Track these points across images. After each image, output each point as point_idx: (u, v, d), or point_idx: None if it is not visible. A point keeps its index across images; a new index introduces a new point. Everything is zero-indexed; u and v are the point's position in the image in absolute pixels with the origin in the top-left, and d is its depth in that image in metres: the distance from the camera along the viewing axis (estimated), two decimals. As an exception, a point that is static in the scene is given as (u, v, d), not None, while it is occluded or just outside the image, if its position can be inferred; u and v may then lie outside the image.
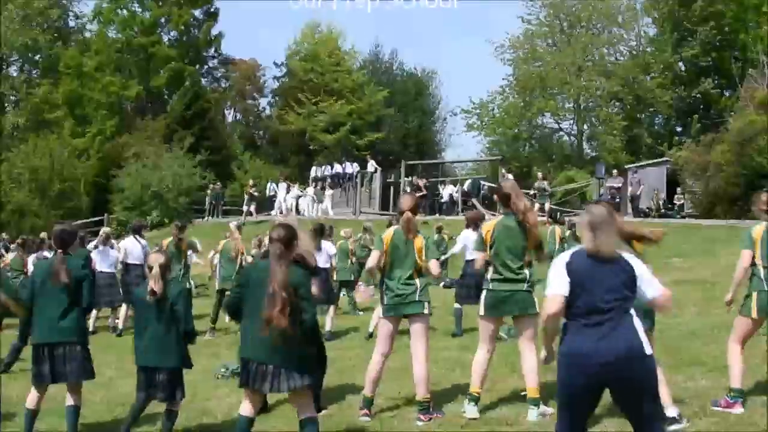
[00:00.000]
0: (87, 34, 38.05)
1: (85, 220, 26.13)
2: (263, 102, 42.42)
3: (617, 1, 38.67)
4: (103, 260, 11.93)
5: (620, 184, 23.05)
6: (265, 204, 28.44)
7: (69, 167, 28.45)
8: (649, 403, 3.74)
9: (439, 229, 16.43)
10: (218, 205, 27.09)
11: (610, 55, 39.17)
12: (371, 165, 29.03)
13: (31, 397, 5.54)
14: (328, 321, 10.14)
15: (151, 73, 36.49)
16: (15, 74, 34.83)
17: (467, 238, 9.53)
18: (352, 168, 29.41)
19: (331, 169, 29.81)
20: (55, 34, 36.33)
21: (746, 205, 24.23)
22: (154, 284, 5.27)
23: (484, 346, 5.84)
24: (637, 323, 3.74)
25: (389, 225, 16.49)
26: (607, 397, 6.52)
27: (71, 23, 37.76)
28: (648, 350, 3.71)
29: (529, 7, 39.00)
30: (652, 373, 3.75)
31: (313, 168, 30.27)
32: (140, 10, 37.49)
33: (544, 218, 18.32)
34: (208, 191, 27.24)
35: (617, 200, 22.67)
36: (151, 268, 5.41)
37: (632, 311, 3.76)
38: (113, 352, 9.60)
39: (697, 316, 9.71)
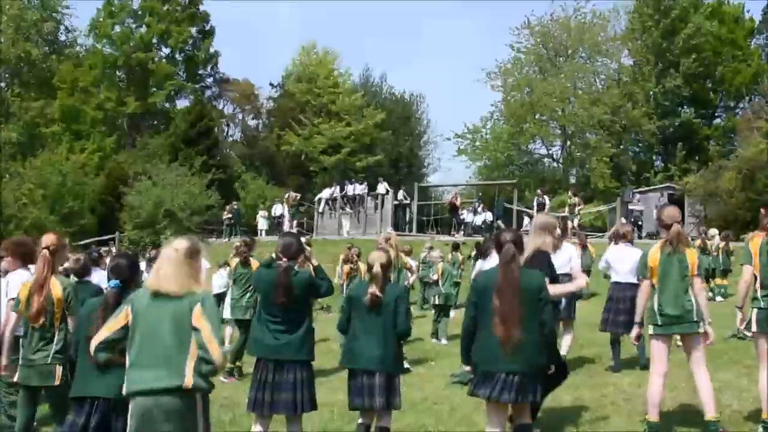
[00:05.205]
0: (78, 48, 37.11)
1: (99, 238, 25.41)
2: (260, 122, 42.03)
3: (602, 31, 39.98)
4: None
5: (642, 208, 23.88)
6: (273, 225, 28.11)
7: (81, 184, 27.60)
8: None
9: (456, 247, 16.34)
10: (236, 223, 26.64)
11: (597, 83, 40.31)
12: (382, 187, 29.05)
13: None
14: None
15: (148, 90, 35.84)
16: (6, 87, 33.58)
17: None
18: (361, 189, 29.39)
19: (341, 190, 29.71)
20: (47, 48, 35.30)
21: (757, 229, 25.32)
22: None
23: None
24: None
25: (455, 247, 16.66)
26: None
27: (62, 37, 36.76)
28: None
29: (518, 35, 40.09)
30: None
31: (326, 190, 30.11)
32: (135, 25, 36.85)
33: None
34: (225, 210, 26.78)
35: (639, 223, 23.45)
36: (371, 268, 5.18)
37: None
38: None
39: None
